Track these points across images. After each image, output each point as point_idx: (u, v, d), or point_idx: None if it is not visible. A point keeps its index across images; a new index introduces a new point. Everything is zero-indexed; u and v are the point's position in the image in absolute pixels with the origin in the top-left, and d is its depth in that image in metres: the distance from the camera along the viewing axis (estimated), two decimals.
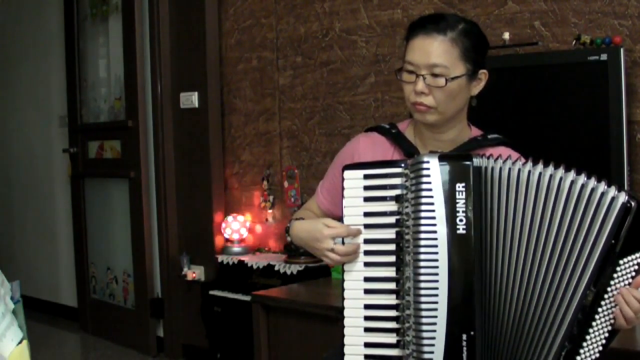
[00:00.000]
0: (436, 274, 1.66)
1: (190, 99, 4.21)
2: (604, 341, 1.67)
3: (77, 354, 4.81)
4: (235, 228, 3.98)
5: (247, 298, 3.41)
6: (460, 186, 1.68)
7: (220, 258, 3.96)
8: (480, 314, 1.68)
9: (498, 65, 2.88)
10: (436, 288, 1.66)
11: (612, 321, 1.67)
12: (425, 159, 1.70)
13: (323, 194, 2.10)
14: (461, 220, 1.67)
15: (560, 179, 1.67)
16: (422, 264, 1.67)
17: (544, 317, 1.68)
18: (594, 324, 1.67)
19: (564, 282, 1.66)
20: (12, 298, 1.74)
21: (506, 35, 2.92)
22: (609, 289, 1.66)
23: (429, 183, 1.68)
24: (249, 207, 4.09)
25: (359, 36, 3.54)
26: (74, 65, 4.90)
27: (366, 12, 3.51)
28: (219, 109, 4.18)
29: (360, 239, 1.79)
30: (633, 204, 1.64)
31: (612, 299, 1.66)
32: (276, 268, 3.63)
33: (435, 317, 1.66)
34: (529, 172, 1.68)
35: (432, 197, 1.68)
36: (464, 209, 1.67)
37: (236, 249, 3.98)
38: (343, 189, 1.81)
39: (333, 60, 3.66)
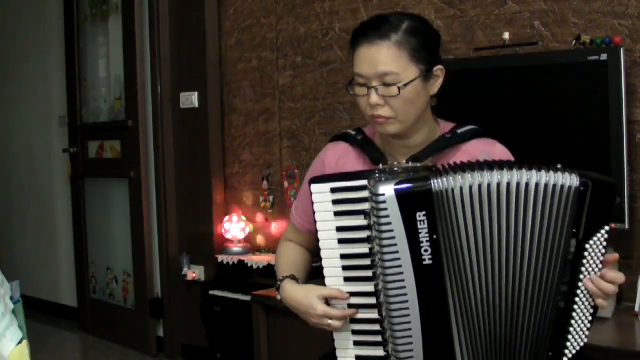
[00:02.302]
0: (407, 308, 1.62)
1: (190, 99, 4.21)
2: (589, 325, 1.66)
3: (77, 354, 4.81)
4: (235, 228, 3.98)
5: (247, 298, 3.41)
6: (420, 215, 1.58)
7: (220, 258, 3.96)
8: (467, 340, 1.64)
9: (498, 65, 2.88)
10: (409, 322, 1.62)
11: (592, 303, 1.65)
12: (381, 192, 1.59)
13: (299, 214, 2.04)
14: (426, 251, 1.59)
15: (517, 184, 1.59)
16: (392, 300, 1.62)
17: (532, 327, 1.65)
18: (574, 314, 1.64)
19: (542, 286, 1.63)
20: (12, 298, 1.74)
21: (506, 35, 2.92)
22: (581, 276, 1.62)
23: (387, 217, 1.59)
24: (249, 207, 4.09)
25: None
26: (74, 65, 4.90)
27: (366, 12, 3.51)
28: (219, 109, 4.18)
29: (337, 262, 1.73)
30: (586, 185, 1.59)
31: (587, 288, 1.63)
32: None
33: (412, 350, 1.63)
34: (488, 184, 1.59)
35: (392, 230, 1.59)
36: (427, 239, 1.59)
37: (236, 249, 3.97)
38: (313, 203, 1.74)
39: (333, 60, 3.66)
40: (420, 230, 1.59)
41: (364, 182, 1.66)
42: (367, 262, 1.68)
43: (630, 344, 2.33)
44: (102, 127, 4.72)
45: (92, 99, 4.82)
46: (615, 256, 1.66)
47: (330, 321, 1.74)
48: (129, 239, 4.54)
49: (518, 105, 2.78)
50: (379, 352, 1.70)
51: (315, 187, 1.74)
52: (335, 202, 1.71)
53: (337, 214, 1.71)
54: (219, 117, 4.18)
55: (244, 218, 4.02)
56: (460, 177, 1.60)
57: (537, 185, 1.59)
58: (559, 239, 1.61)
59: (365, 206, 1.66)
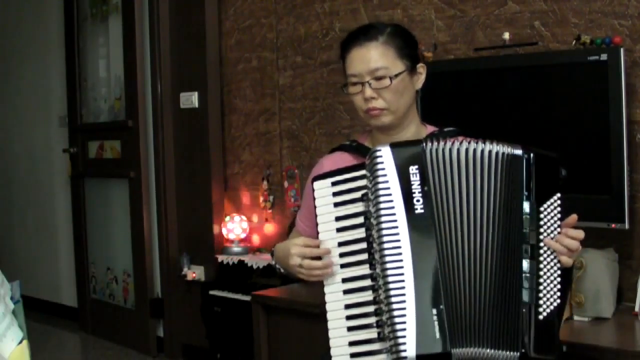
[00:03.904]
0: (399, 254, 1.73)
1: (190, 99, 4.21)
2: (559, 286, 1.78)
3: (77, 354, 4.82)
4: (236, 228, 3.98)
5: (247, 298, 3.41)
6: (413, 168, 1.76)
7: (220, 258, 3.96)
8: (449, 290, 1.73)
9: (498, 65, 2.88)
10: (401, 267, 1.72)
11: (558, 265, 1.78)
12: (378, 148, 1.79)
13: (302, 220, 2.18)
14: (418, 201, 1.75)
15: (482, 150, 1.78)
16: (385, 245, 1.73)
17: (497, 285, 1.76)
18: (541, 273, 1.77)
19: (506, 240, 1.77)
20: (12, 298, 1.75)
21: (506, 35, 2.92)
22: (541, 237, 1.78)
23: (383, 169, 1.76)
24: (249, 207, 4.09)
25: None
26: (74, 65, 4.90)
27: (366, 12, 3.51)
28: (219, 109, 4.18)
29: (336, 249, 1.85)
30: (528, 154, 1.78)
31: (548, 245, 1.77)
32: None
33: (404, 295, 1.71)
34: (466, 149, 1.78)
35: (387, 181, 1.75)
36: (419, 190, 1.75)
37: (236, 249, 3.98)
38: (314, 199, 1.88)
39: (333, 60, 3.66)
40: (412, 182, 1.75)
41: (361, 172, 1.82)
42: (362, 246, 1.81)
43: (630, 344, 2.33)
44: (102, 127, 4.72)
45: (92, 99, 4.82)
46: (573, 217, 1.81)
47: (302, 270, 1.87)
48: (129, 239, 4.54)
49: (518, 105, 2.78)
50: (372, 334, 1.79)
51: (317, 184, 1.89)
52: (335, 194, 1.86)
53: (336, 204, 1.86)
54: (219, 117, 4.18)
55: (244, 218, 4.02)
56: (447, 142, 1.81)
57: (497, 153, 1.79)
58: (515, 200, 1.77)
59: (363, 192, 1.81)
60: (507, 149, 1.79)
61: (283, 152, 3.93)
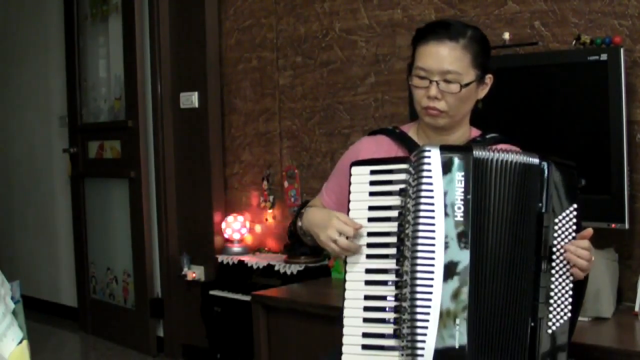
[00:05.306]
0: (432, 252, 1.71)
1: (190, 99, 4.21)
2: (570, 299, 1.77)
3: (77, 354, 4.81)
4: (236, 228, 3.98)
5: (247, 298, 3.41)
6: (459, 175, 1.73)
7: (220, 258, 3.96)
8: (472, 300, 1.72)
9: (498, 65, 2.86)
10: (432, 265, 1.71)
11: (571, 277, 1.77)
12: (427, 148, 1.76)
13: (327, 193, 2.15)
14: (459, 208, 1.73)
15: (501, 160, 1.77)
16: (419, 242, 1.71)
17: (509, 296, 1.75)
18: (552, 286, 1.76)
19: (514, 254, 1.76)
20: (12, 298, 1.75)
21: (506, 35, 2.92)
22: (554, 249, 1.77)
23: (430, 171, 1.74)
24: (249, 207, 4.09)
25: (359, 36, 3.54)
26: (74, 65, 4.90)
27: (366, 12, 3.51)
28: (219, 109, 4.18)
29: (364, 238, 1.84)
30: (547, 164, 1.77)
31: (562, 257, 1.77)
32: (276, 268, 3.63)
33: (430, 298, 1.70)
34: (512, 162, 1.77)
35: (431, 183, 1.73)
36: (462, 197, 1.73)
37: (236, 249, 3.98)
38: (350, 184, 1.86)
39: (333, 60, 3.66)
40: (457, 189, 1.73)
41: (403, 166, 1.80)
42: (392, 239, 1.79)
43: (630, 344, 2.34)
44: (102, 127, 4.72)
45: (92, 99, 4.82)
46: (588, 231, 1.82)
47: (334, 245, 1.83)
48: (129, 239, 4.54)
49: (518, 105, 2.78)
50: (388, 329, 1.78)
51: (355, 169, 1.87)
52: (372, 182, 1.85)
53: (372, 193, 1.84)
54: (219, 117, 4.18)
55: (244, 218, 4.02)
56: (490, 152, 1.78)
57: (511, 162, 1.77)
58: (530, 210, 1.77)
59: (401, 187, 1.79)
60: (523, 158, 1.77)
61: (283, 152, 3.93)
